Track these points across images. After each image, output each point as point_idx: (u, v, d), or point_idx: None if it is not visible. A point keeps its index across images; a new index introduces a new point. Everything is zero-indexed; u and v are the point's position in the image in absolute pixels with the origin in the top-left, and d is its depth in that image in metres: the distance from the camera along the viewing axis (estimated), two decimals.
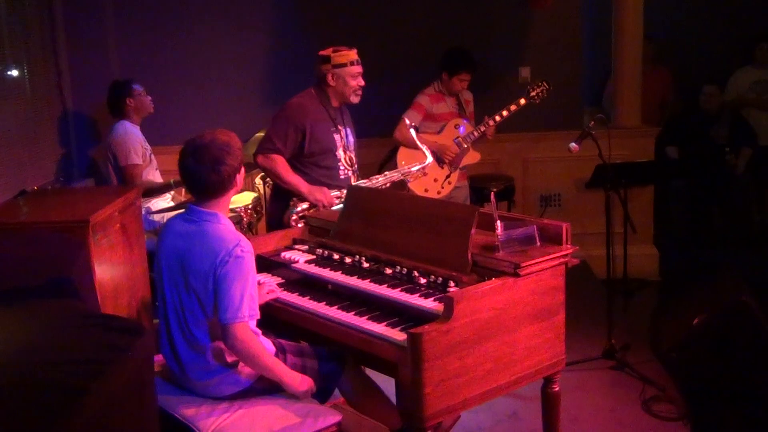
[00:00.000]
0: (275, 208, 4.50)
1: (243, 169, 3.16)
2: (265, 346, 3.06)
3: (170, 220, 3.24)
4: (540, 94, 5.46)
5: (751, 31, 7.60)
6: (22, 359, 2.36)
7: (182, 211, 3.22)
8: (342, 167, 4.50)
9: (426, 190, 5.43)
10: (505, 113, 5.42)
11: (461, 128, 5.51)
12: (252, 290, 2.99)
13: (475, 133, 5.47)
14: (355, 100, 4.47)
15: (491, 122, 5.43)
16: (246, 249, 2.98)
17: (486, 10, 6.48)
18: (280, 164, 4.37)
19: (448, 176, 5.49)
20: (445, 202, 4.47)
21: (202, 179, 3.03)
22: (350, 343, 3.10)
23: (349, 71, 4.40)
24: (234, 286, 2.93)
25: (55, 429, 1.98)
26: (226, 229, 3.06)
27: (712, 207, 7.37)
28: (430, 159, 4.63)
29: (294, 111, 4.40)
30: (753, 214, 7.42)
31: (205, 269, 2.95)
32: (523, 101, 5.44)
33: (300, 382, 3.06)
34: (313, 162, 4.41)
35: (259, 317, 3.05)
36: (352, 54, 4.42)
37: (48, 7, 5.83)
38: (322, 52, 4.43)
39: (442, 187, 5.49)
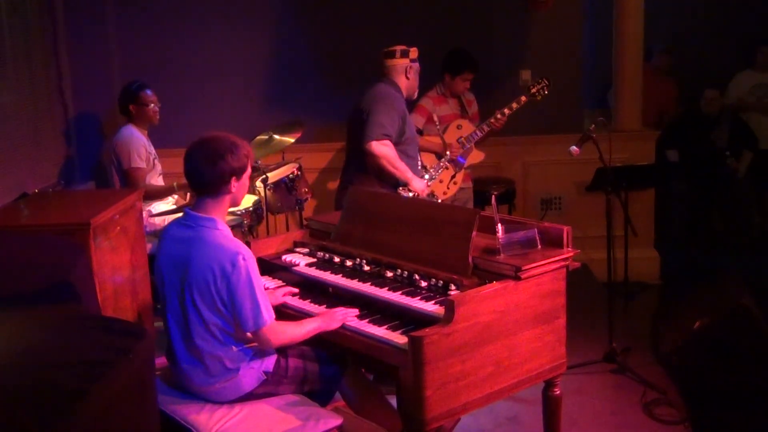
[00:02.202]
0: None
1: (244, 182, 3.13)
2: (291, 330, 3.08)
3: (168, 225, 3.24)
4: (541, 91, 5.46)
5: (752, 34, 7.61)
6: (24, 361, 2.36)
7: (180, 215, 3.22)
8: (419, 158, 4.72)
9: (432, 191, 5.44)
10: (507, 111, 5.42)
11: (464, 128, 5.52)
12: (261, 291, 2.99)
13: (478, 133, 5.48)
14: (416, 95, 4.78)
15: (492, 120, 5.43)
16: (247, 256, 2.97)
17: (486, 13, 6.48)
18: (393, 150, 4.48)
19: (453, 177, 5.50)
20: (445, 205, 4.48)
21: (199, 170, 3.01)
22: (351, 346, 3.10)
23: (417, 67, 4.65)
24: (246, 296, 2.93)
25: (56, 431, 1.98)
26: (223, 236, 3.03)
27: (713, 210, 7.38)
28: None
29: (396, 99, 4.54)
30: (753, 217, 7.43)
31: (207, 279, 2.94)
32: (524, 99, 5.45)
33: (329, 320, 3.12)
34: (403, 151, 4.50)
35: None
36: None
37: (49, 9, 5.83)
38: (394, 47, 4.56)
39: (448, 188, 5.50)
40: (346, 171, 4.76)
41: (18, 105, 5.26)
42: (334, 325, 3.12)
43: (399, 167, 4.50)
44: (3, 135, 4.95)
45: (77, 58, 6.08)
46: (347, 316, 3.14)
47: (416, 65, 4.67)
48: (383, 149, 4.43)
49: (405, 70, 4.60)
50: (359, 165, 4.58)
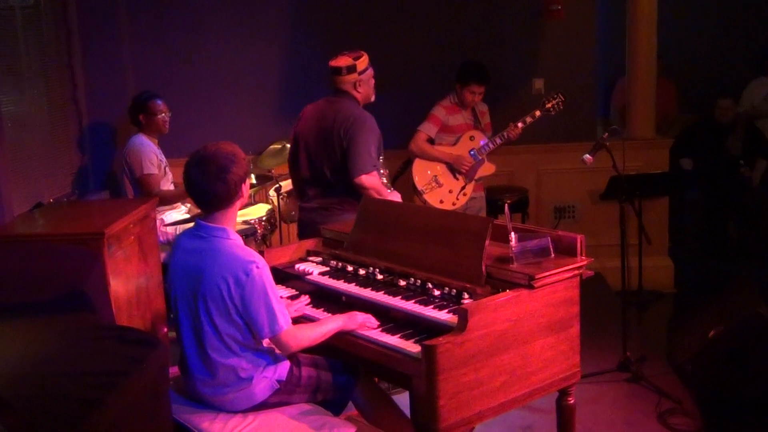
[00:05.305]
0: None
1: (249, 180, 3.16)
2: (310, 332, 3.08)
3: (179, 236, 3.25)
4: (556, 106, 5.46)
5: (766, 42, 7.58)
6: (39, 371, 2.37)
7: (191, 226, 3.23)
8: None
9: (441, 201, 5.43)
10: (520, 124, 5.42)
11: (476, 140, 5.51)
12: (277, 298, 3.00)
13: (490, 145, 5.47)
14: (373, 98, 4.54)
15: (506, 132, 5.42)
16: (261, 264, 2.97)
17: (500, 22, 6.48)
18: (378, 179, 4.40)
19: (463, 187, 5.49)
20: (458, 214, 4.46)
21: (209, 190, 3.01)
22: (364, 355, 3.09)
23: (371, 73, 4.45)
24: (261, 304, 2.94)
25: None
26: (236, 245, 3.04)
27: (727, 219, 7.34)
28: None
29: (369, 119, 4.34)
30: None
31: (221, 289, 2.95)
32: (538, 113, 5.44)
33: (349, 321, 3.12)
34: (376, 167, 4.43)
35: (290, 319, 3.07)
36: (366, 56, 4.44)
37: (64, 21, 5.88)
38: (339, 63, 4.36)
39: (458, 199, 5.49)
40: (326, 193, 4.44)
41: (33, 116, 5.32)
42: (352, 325, 3.13)
43: (385, 194, 4.36)
44: (19, 146, 5.00)
45: (91, 70, 6.13)
46: (368, 321, 3.15)
47: (368, 73, 4.43)
48: (372, 180, 4.30)
49: (357, 84, 4.38)
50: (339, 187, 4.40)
